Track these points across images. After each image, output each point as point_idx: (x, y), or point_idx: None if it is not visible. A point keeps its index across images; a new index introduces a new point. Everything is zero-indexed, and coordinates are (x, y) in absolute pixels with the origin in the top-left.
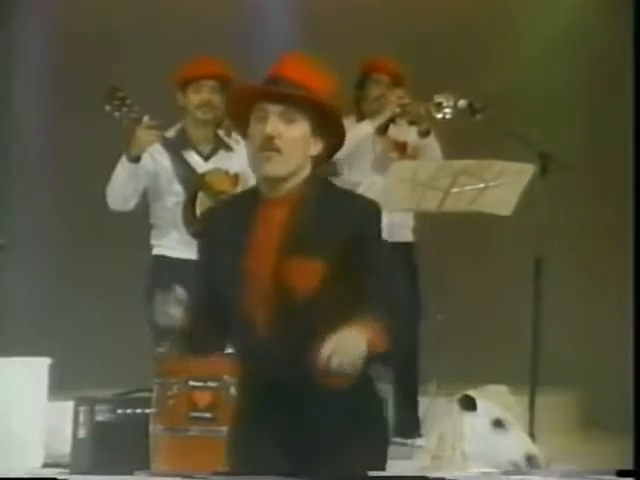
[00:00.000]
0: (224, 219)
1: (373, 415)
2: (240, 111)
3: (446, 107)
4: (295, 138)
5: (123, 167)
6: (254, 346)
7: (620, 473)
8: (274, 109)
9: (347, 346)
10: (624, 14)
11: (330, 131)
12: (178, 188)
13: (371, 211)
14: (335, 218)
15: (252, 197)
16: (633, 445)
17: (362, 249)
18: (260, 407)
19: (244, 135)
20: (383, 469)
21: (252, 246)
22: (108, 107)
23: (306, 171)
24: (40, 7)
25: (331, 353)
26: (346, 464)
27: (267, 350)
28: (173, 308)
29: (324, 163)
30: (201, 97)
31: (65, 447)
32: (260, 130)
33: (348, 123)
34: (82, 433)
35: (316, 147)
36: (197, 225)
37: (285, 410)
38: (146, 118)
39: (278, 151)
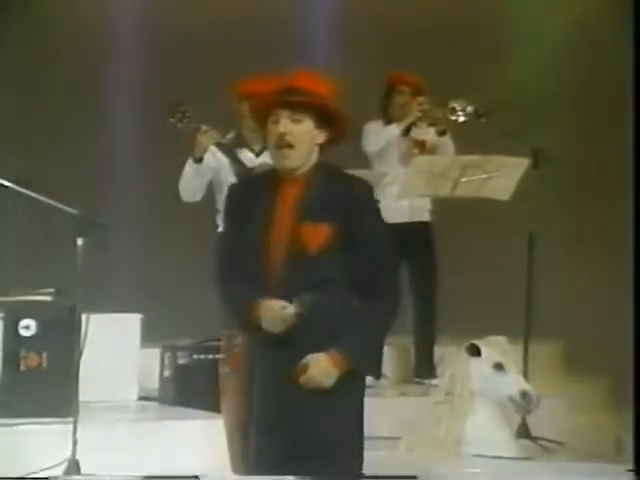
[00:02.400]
0: (249, 194)
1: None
2: (261, 116)
3: (459, 111)
4: (302, 133)
5: (190, 167)
6: (268, 291)
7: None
8: (284, 113)
9: (320, 373)
10: (624, 17)
11: (331, 123)
12: (234, 180)
13: (365, 187)
14: (336, 192)
15: (271, 177)
16: (633, 445)
17: (358, 218)
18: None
19: (264, 134)
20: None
21: (274, 214)
22: (172, 119)
23: (314, 157)
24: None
25: (307, 380)
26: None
27: (279, 293)
28: None
29: (330, 148)
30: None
31: (154, 384)
32: (275, 130)
33: (376, 126)
34: (167, 373)
35: (321, 137)
36: None
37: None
38: (203, 126)
39: (290, 146)
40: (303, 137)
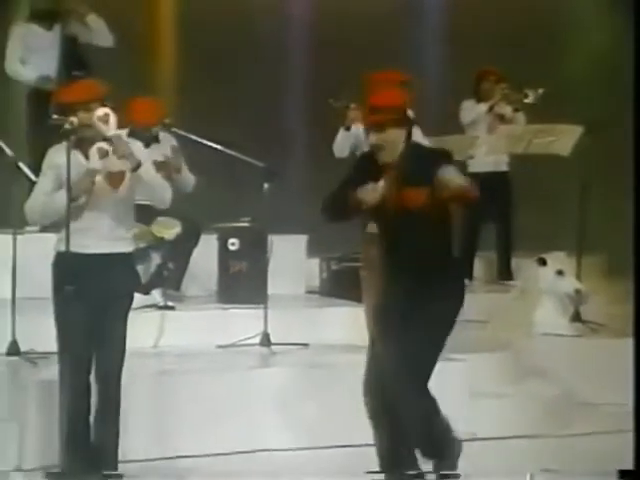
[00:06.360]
0: (366, 165)
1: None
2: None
3: (530, 97)
4: (387, 137)
5: (342, 134)
6: (389, 229)
7: (621, 473)
8: (372, 128)
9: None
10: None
11: (409, 122)
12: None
13: (447, 153)
14: (426, 162)
15: (374, 157)
16: (633, 445)
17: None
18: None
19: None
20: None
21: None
22: (330, 100)
23: (401, 146)
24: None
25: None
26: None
27: (395, 230)
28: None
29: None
30: None
31: (316, 282)
32: (370, 139)
33: (470, 104)
34: (324, 275)
35: (403, 133)
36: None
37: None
38: (352, 104)
39: (382, 148)
40: (389, 139)
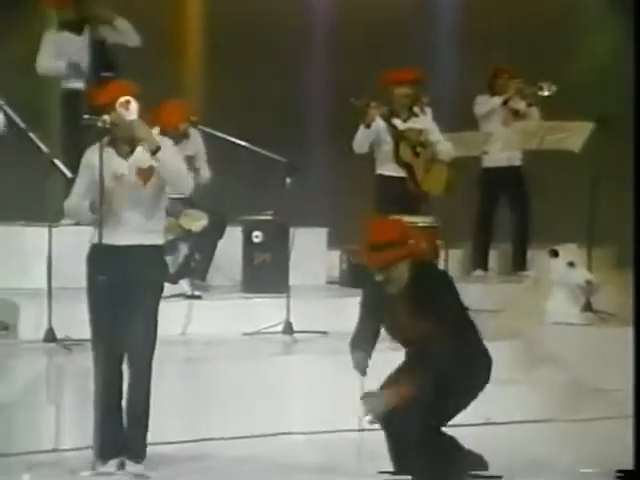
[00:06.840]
0: (373, 295)
1: None
2: None
3: (545, 89)
4: (394, 273)
5: (362, 131)
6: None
7: (621, 473)
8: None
9: None
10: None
11: (411, 251)
12: (389, 139)
13: (445, 280)
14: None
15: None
16: (633, 445)
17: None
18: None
19: None
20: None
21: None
22: (351, 99)
23: (406, 277)
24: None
25: None
26: None
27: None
28: None
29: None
30: (403, 92)
31: (336, 273)
32: (377, 277)
33: (484, 98)
34: (344, 267)
35: (406, 263)
36: (400, 160)
37: None
38: (373, 103)
39: (389, 282)
40: (393, 275)
